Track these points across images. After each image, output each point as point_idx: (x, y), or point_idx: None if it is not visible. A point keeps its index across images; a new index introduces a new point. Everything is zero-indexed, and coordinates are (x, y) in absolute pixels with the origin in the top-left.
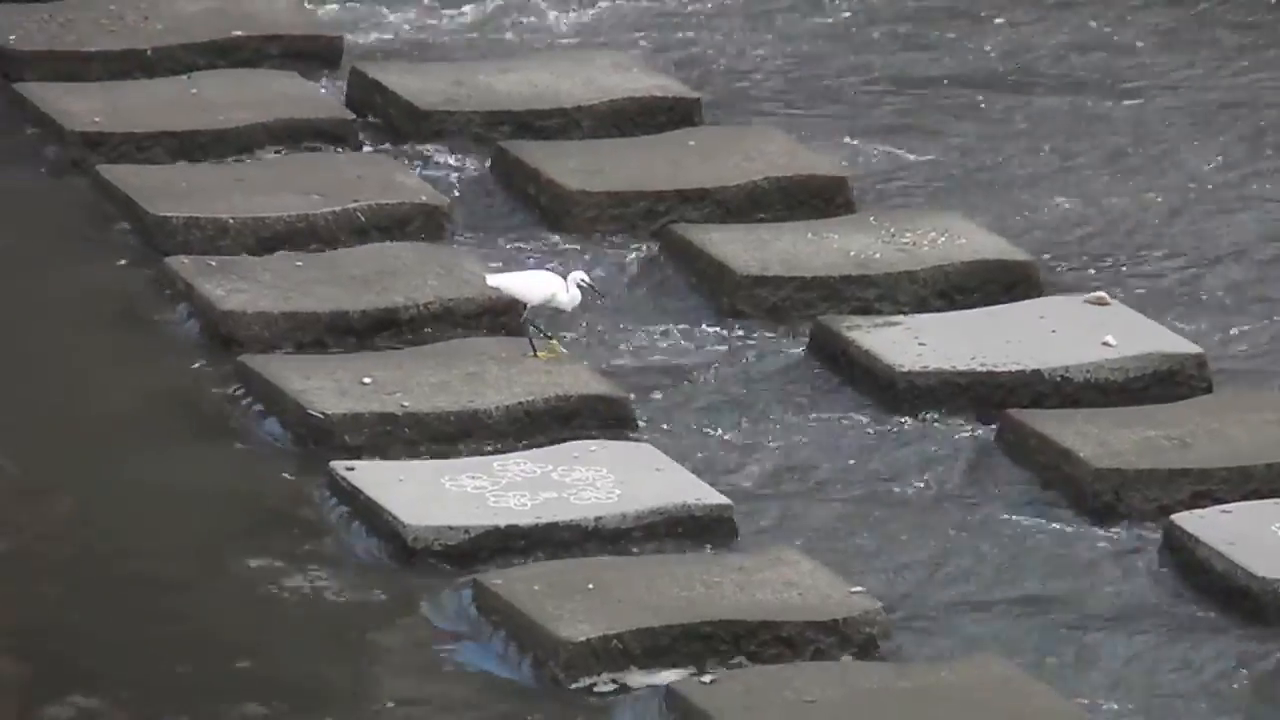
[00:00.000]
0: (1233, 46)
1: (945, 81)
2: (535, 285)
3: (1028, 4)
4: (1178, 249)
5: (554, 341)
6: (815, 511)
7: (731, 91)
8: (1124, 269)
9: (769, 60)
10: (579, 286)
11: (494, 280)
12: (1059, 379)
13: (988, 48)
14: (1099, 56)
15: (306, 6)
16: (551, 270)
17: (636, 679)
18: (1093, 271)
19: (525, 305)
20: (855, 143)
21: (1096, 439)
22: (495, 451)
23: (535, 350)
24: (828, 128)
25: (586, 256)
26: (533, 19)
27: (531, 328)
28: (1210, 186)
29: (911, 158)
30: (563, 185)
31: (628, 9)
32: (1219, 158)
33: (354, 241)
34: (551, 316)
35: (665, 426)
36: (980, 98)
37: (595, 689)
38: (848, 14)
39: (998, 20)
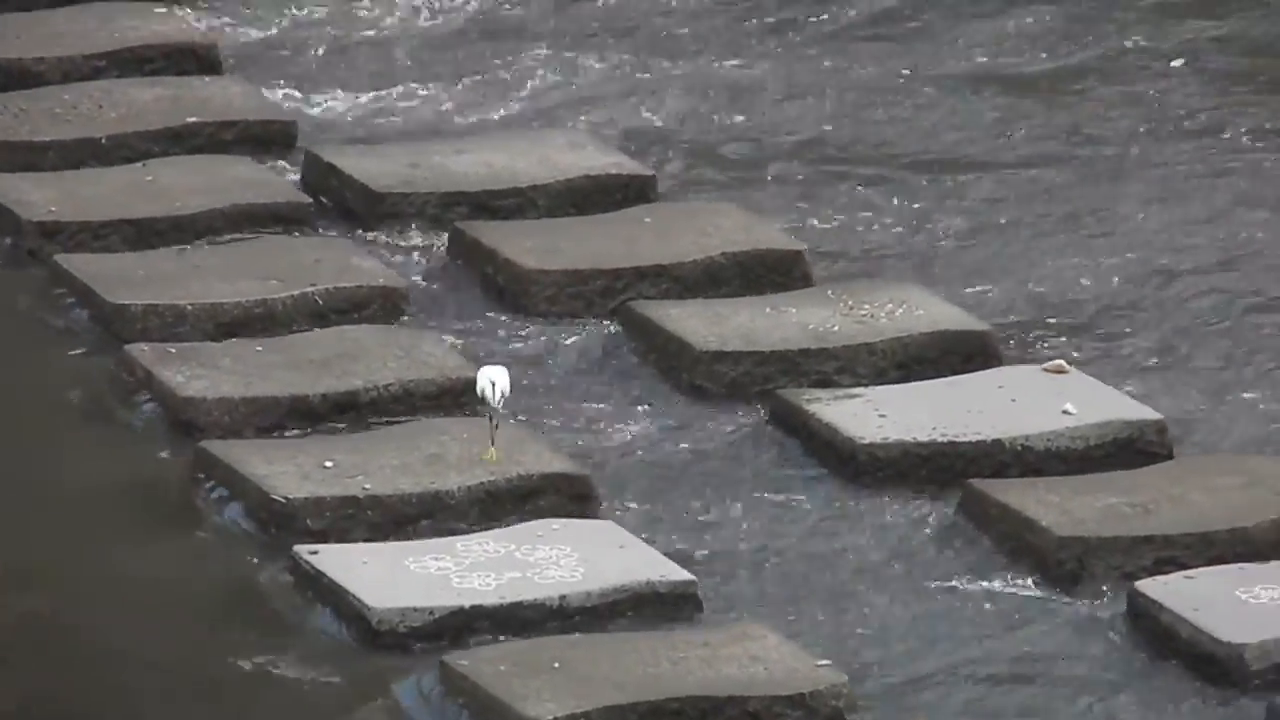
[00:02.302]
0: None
1: (898, 153)
2: (480, 377)
3: (978, 80)
4: (1134, 317)
5: (492, 449)
6: (779, 586)
7: (684, 167)
8: (1081, 337)
9: (720, 134)
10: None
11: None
12: (1020, 448)
13: (939, 119)
14: (1053, 129)
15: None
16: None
17: None
18: (1050, 340)
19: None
20: (810, 216)
21: (1058, 507)
22: (458, 532)
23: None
24: (781, 202)
25: (544, 336)
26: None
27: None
28: (1165, 257)
29: (866, 230)
30: (520, 265)
31: (575, 86)
32: (1174, 227)
33: (312, 325)
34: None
35: (627, 504)
36: (933, 170)
37: None
38: (795, 85)
39: (943, 93)
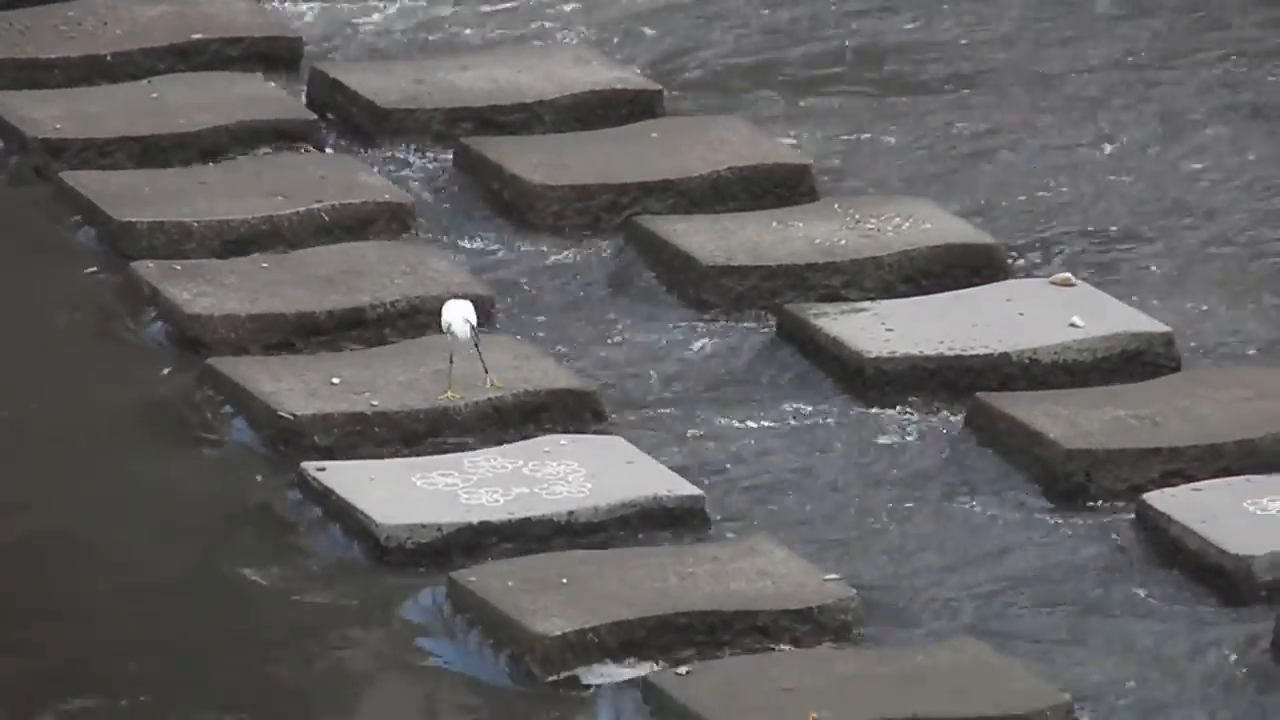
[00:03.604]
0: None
1: (903, 64)
2: (443, 314)
3: None
4: (1140, 228)
5: (488, 375)
6: (787, 500)
7: (690, 80)
8: (1087, 249)
9: (726, 47)
10: (467, 324)
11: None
12: (1027, 361)
13: (944, 28)
14: (1055, 37)
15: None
16: (459, 302)
17: (613, 672)
18: (1057, 252)
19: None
20: (817, 129)
21: (1066, 420)
22: (466, 448)
23: (449, 386)
24: (788, 114)
25: (550, 251)
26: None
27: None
28: (1169, 165)
29: (872, 142)
30: (526, 180)
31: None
32: (1178, 136)
33: (319, 242)
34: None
35: (634, 419)
36: (935, 80)
37: (571, 683)
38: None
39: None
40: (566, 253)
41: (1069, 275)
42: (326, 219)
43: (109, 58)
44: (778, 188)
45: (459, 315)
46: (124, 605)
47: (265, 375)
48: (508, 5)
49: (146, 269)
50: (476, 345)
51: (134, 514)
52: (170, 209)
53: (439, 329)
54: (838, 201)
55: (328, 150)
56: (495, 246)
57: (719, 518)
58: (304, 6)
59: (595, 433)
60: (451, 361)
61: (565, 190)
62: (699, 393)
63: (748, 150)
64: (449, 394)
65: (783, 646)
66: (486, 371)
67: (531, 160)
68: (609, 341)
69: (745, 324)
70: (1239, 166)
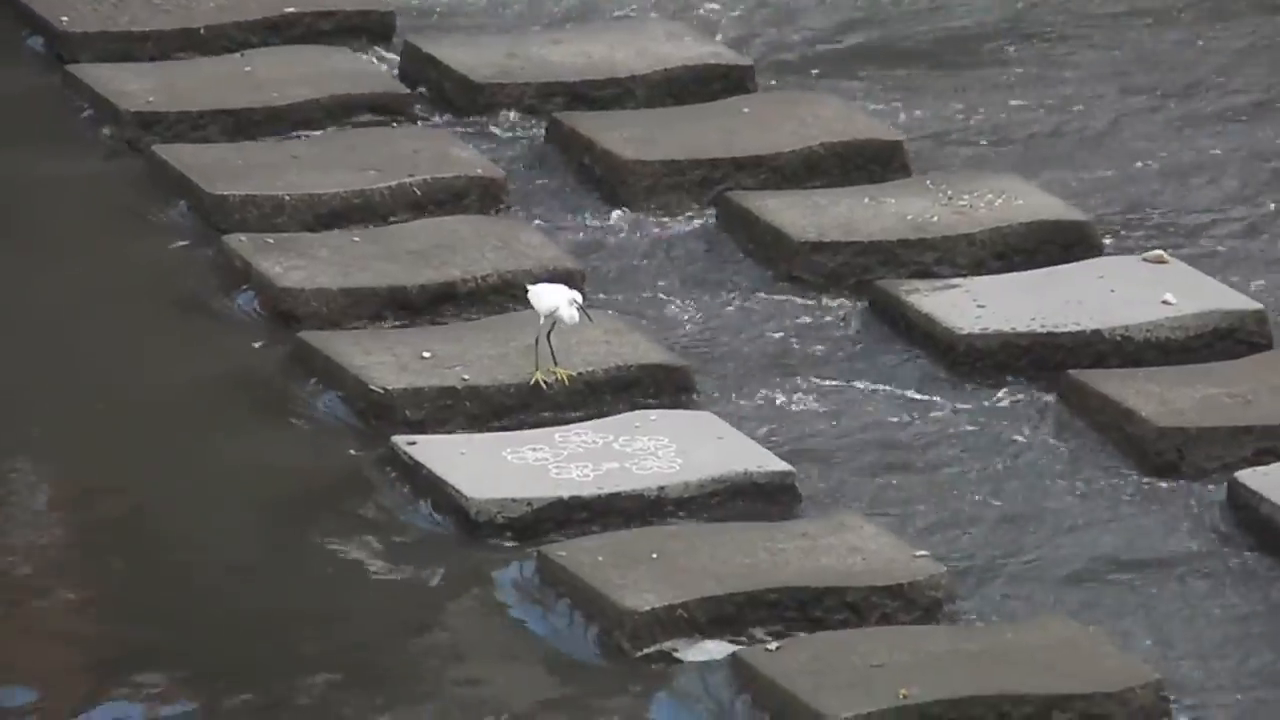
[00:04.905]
0: None
1: (994, 39)
2: (540, 298)
3: None
4: (1234, 206)
5: (558, 368)
6: (878, 476)
7: (782, 57)
8: (1181, 226)
9: (815, 23)
10: (576, 307)
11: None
12: (1119, 338)
13: (1037, 10)
14: (1149, 17)
15: None
16: (555, 286)
17: (702, 648)
18: (1150, 229)
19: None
20: (908, 105)
21: (1158, 398)
22: (556, 423)
23: (537, 366)
24: (881, 90)
25: (641, 226)
26: None
27: (544, 342)
28: (1264, 143)
29: (965, 119)
30: (618, 155)
31: None
32: (1272, 116)
33: (410, 216)
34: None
35: (725, 394)
36: (1029, 59)
37: (661, 658)
38: None
39: None
40: (657, 228)
41: (1162, 252)
42: (418, 193)
43: (202, 31)
44: (870, 164)
45: (565, 299)
46: (213, 578)
47: (356, 349)
48: None
49: (239, 242)
50: (588, 318)
51: (225, 488)
52: (263, 182)
53: (529, 303)
54: (930, 178)
55: (420, 124)
56: (586, 221)
57: (809, 493)
58: None
59: (686, 408)
60: (548, 341)
61: (657, 165)
62: (790, 368)
63: (840, 126)
64: (537, 374)
65: (872, 623)
66: (556, 364)
67: (623, 135)
68: (700, 317)
69: (837, 300)
70: None
